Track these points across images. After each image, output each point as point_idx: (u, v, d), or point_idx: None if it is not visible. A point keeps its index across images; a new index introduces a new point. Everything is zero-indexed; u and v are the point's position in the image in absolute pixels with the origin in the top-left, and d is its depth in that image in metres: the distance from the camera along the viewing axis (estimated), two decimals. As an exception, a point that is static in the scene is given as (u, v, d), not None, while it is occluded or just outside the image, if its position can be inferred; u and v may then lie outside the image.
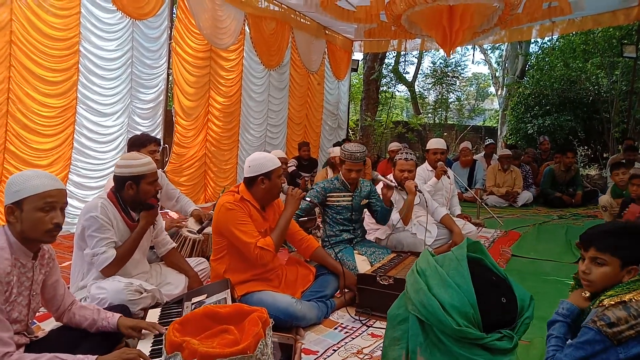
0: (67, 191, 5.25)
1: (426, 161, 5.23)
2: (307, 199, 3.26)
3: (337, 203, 3.85)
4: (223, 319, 1.00)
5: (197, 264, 3.28)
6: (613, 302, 1.71)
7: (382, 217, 4.00)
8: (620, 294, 1.73)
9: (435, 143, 5.28)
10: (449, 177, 5.00)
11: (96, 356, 1.81)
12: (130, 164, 2.70)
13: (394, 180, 4.01)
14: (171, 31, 6.18)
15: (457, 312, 0.90)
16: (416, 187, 4.08)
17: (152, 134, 6.09)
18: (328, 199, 3.84)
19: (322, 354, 2.49)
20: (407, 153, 4.29)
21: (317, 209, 4.50)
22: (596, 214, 6.67)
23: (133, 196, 2.72)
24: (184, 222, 4.13)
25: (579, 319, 1.93)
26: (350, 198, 3.88)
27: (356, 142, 6.41)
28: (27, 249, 1.87)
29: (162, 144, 4.10)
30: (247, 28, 7.30)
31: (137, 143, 3.80)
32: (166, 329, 2.15)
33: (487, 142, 9.07)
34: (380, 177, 3.82)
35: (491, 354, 0.91)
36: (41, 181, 1.84)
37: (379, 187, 4.12)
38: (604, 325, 1.66)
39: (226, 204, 2.81)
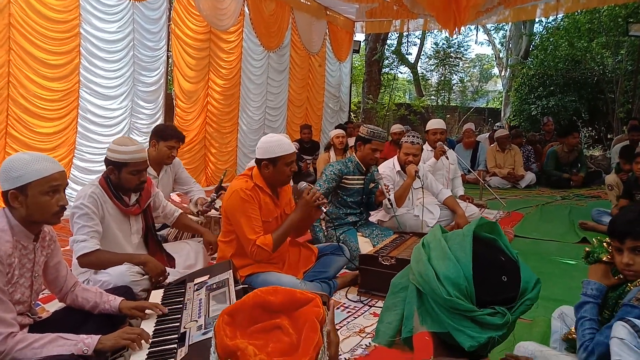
0: (72, 176, 5.25)
1: (427, 142, 5.22)
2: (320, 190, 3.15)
3: (351, 186, 3.82)
4: (275, 308, 0.95)
5: (200, 242, 3.29)
6: None
7: (370, 206, 4.06)
8: None
9: (434, 123, 5.29)
10: (447, 157, 4.98)
11: (99, 336, 1.83)
12: (115, 149, 2.62)
13: (390, 193, 3.92)
14: (170, 13, 6.11)
15: (450, 283, 0.91)
16: (416, 172, 4.05)
17: (154, 118, 6.08)
18: (343, 181, 3.80)
19: (324, 334, 2.50)
20: (414, 137, 4.25)
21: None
22: (599, 194, 6.65)
23: (115, 182, 2.66)
24: (185, 205, 4.13)
25: (606, 298, 1.91)
26: (362, 181, 3.86)
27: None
28: (28, 231, 1.87)
29: (184, 141, 3.94)
30: (246, 9, 7.22)
31: (159, 135, 3.67)
32: (168, 309, 2.19)
33: (497, 127, 8.98)
34: (379, 181, 3.79)
35: (480, 327, 0.91)
36: (43, 165, 1.83)
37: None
38: None
39: (239, 190, 2.75)
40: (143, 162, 2.67)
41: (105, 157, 2.66)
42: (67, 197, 1.95)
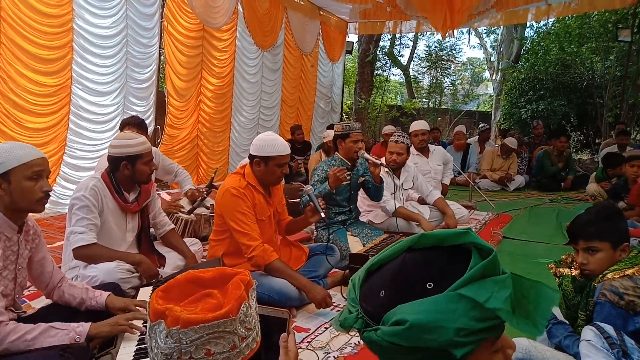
0: (61, 172, 5.20)
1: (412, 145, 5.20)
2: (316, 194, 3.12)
3: None
4: (207, 283, 1.00)
5: (191, 244, 3.28)
6: (617, 276, 1.80)
7: (374, 194, 3.98)
8: (623, 269, 1.81)
9: (416, 125, 5.22)
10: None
11: (90, 323, 1.83)
12: (125, 144, 2.65)
13: (381, 160, 3.93)
14: (163, 9, 6.09)
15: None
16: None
17: (145, 115, 6.05)
18: None
19: (313, 332, 2.51)
20: (399, 136, 4.26)
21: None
22: (587, 198, 6.71)
23: (128, 176, 2.68)
24: (177, 206, 4.12)
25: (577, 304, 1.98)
26: (349, 177, 3.86)
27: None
28: (12, 221, 1.86)
29: (147, 126, 4.07)
30: (240, 7, 7.21)
31: (120, 126, 3.84)
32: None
33: (483, 128, 9.04)
34: (366, 155, 3.77)
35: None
36: (25, 151, 1.84)
37: None
38: (614, 297, 1.75)
39: (231, 189, 2.73)
40: (151, 151, 2.77)
41: (112, 155, 2.67)
42: (60, 197, 1.95)
